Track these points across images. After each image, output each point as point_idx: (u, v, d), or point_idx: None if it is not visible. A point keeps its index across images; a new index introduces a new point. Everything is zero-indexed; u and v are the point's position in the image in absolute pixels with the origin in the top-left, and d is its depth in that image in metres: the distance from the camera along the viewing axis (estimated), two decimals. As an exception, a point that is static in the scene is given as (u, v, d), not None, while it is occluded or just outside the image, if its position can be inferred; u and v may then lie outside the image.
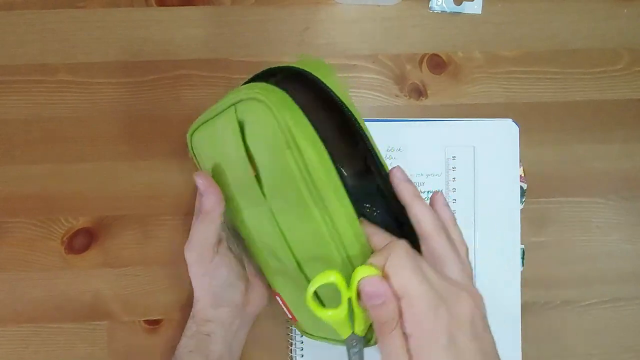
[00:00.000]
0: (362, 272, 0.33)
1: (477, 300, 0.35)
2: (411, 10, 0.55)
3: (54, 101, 0.53)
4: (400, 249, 0.34)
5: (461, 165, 0.52)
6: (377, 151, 0.40)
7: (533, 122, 0.54)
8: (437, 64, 0.55)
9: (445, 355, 0.32)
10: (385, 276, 0.33)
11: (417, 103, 0.54)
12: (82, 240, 0.52)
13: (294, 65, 0.40)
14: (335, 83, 0.39)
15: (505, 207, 0.52)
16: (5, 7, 0.53)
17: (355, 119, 0.39)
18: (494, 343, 0.36)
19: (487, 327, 0.35)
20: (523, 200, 0.53)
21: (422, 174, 0.52)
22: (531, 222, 0.53)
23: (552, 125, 0.55)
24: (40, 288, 0.51)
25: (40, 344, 0.51)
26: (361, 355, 0.38)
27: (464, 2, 0.55)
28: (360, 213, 0.38)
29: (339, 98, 0.39)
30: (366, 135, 0.39)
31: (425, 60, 0.55)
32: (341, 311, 0.35)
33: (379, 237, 0.38)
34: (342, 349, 0.48)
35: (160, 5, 0.54)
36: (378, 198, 0.40)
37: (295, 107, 0.37)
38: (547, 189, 0.54)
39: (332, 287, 0.34)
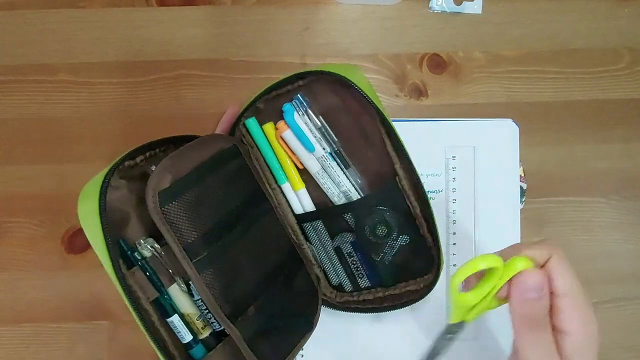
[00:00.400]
0: (522, 264, 0.33)
1: None
2: (411, 10, 0.55)
3: (54, 101, 0.53)
4: (562, 250, 0.35)
5: (461, 165, 0.52)
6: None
7: (533, 122, 0.54)
8: (437, 63, 0.55)
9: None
10: (545, 271, 0.33)
11: (418, 103, 0.54)
12: (82, 240, 0.52)
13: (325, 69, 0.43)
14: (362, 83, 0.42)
15: (505, 207, 0.52)
16: (6, 7, 0.53)
17: None
18: None
19: None
20: (523, 200, 0.53)
21: (422, 174, 0.51)
22: (531, 222, 0.53)
23: (553, 125, 0.55)
24: (40, 288, 0.51)
25: (40, 343, 0.51)
26: (452, 343, 0.38)
27: (464, 2, 0.55)
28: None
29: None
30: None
31: (425, 60, 0.55)
32: (477, 296, 0.34)
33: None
34: (342, 349, 0.48)
35: (161, 5, 0.54)
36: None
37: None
38: (547, 189, 0.54)
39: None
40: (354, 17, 0.55)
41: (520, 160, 0.53)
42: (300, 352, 0.51)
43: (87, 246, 0.52)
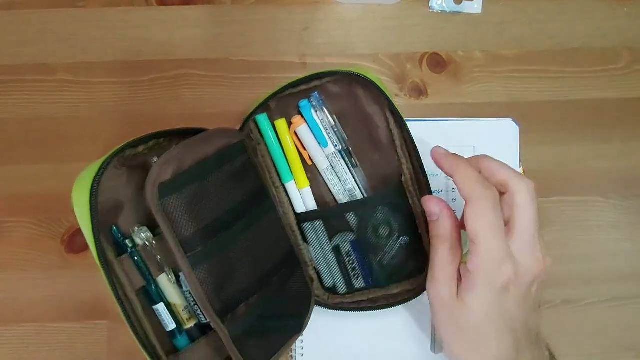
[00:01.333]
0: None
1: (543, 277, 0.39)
2: (411, 9, 0.55)
3: (54, 101, 0.53)
4: (486, 200, 0.37)
5: (461, 164, 0.52)
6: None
7: (533, 121, 0.54)
8: (437, 63, 0.55)
9: (489, 302, 0.37)
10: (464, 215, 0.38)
11: (417, 102, 0.54)
12: (82, 240, 0.50)
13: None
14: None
15: (505, 207, 0.52)
16: (5, 7, 0.53)
17: None
18: (537, 325, 0.40)
19: (536, 307, 0.40)
20: (523, 199, 0.53)
21: (422, 174, 0.52)
22: (531, 221, 0.53)
23: (552, 124, 0.55)
24: (40, 288, 0.51)
25: (40, 343, 0.51)
26: None
27: (464, 2, 0.55)
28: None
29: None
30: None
31: (425, 59, 0.55)
32: None
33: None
34: (343, 349, 0.48)
35: (161, 5, 0.54)
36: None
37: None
38: (547, 188, 0.54)
39: None
40: (354, 17, 0.54)
41: (520, 160, 0.53)
42: (301, 351, 0.51)
43: (87, 246, 0.51)
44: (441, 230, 0.40)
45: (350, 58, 0.54)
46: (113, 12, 0.53)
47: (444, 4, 0.55)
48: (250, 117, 0.46)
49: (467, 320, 0.38)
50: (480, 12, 0.55)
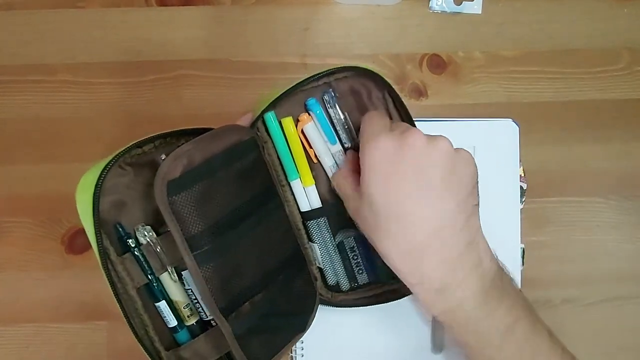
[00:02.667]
0: None
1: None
2: (411, 10, 0.55)
3: (54, 101, 0.53)
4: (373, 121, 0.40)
5: (461, 165, 0.52)
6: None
7: (533, 122, 0.54)
8: (437, 63, 0.55)
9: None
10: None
11: (417, 103, 0.54)
12: (82, 240, 0.52)
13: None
14: None
15: (505, 207, 0.52)
16: (5, 7, 0.53)
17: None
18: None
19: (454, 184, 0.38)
20: (523, 200, 0.53)
21: (422, 174, 0.52)
22: (531, 222, 0.53)
23: (552, 125, 0.55)
24: (40, 288, 0.51)
25: (40, 344, 0.51)
26: None
27: (464, 2, 0.55)
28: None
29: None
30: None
31: (425, 60, 0.55)
32: None
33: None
34: (343, 349, 0.48)
35: (160, 5, 0.54)
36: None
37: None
38: (547, 188, 0.54)
39: None
40: (354, 17, 0.55)
41: (520, 160, 0.53)
42: (301, 351, 0.51)
43: (87, 246, 0.51)
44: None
45: (350, 58, 0.54)
46: (113, 13, 0.53)
47: (444, 5, 0.55)
48: (260, 117, 0.46)
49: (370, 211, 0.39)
50: (480, 12, 0.55)
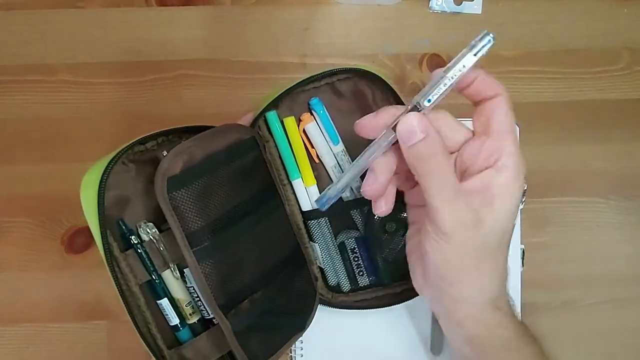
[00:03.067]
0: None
1: None
2: (411, 10, 0.55)
3: (54, 101, 0.53)
4: (505, 91, 0.37)
5: (461, 165, 0.52)
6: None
7: (533, 122, 0.54)
8: (437, 64, 0.55)
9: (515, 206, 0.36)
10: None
11: (417, 103, 0.54)
12: (83, 240, 0.52)
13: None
14: None
15: (505, 207, 0.52)
16: (5, 7, 0.53)
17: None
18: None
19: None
20: (523, 200, 0.53)
21: (422, 174, 0.52)
22: (531, 222, 0.53)
23: (552, 125, 0.55)
24: (40, 288, 0.51)
25: (40, 344, 0.51)
26: None
27: (464, 2, 0.55)
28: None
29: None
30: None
31: (425, 60, 0.55)
32: None
33: None
34: (343, 349, 0.48)
35: (160, 5, 0.54)
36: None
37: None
38: (547, 189, 0.54)
39: None
40: (354, 17, 0.55)
41: (520, 161, 0.53)
42: (301, 351, 0.51)
43: (87, 246, 0.52)
44: (434, 147, 0.34)
45: (350, 58, 0.54)
46: (113, 13, 0.53)
47: (444, 5, 0.55)
48: (262, 115, 0.46)
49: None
50: (480, 12, 0.55)
